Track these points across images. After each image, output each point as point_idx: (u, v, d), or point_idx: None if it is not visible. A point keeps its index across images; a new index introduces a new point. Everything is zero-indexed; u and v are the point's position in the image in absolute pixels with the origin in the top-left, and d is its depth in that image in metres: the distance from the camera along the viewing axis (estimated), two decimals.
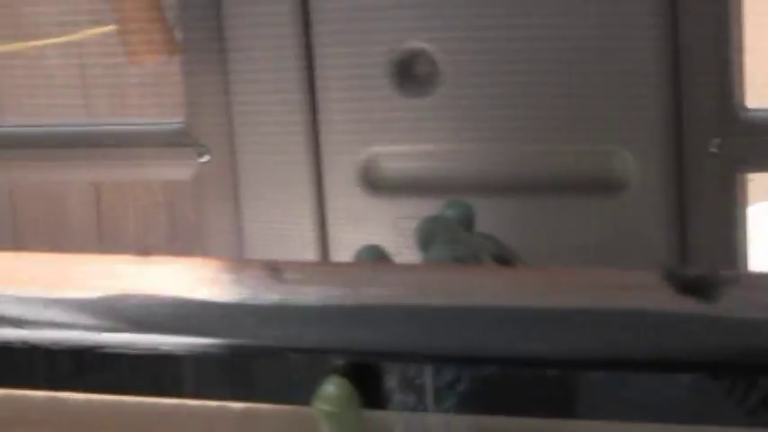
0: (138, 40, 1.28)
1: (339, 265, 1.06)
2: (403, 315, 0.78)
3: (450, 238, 1.17)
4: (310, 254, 1.42)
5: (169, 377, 0.82)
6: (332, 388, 0.77)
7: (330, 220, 1.42)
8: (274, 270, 0.83)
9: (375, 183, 1.39)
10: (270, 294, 0.80)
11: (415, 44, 1.36)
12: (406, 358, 0.77)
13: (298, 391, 0.79)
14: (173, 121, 1.45)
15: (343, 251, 1.42)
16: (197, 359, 0.81)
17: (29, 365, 0.86)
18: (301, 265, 0.89)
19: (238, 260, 0.94)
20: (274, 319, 0.79)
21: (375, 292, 0.79)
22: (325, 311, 0.79)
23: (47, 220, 2.70)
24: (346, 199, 1.40)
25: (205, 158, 1.42)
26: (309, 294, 0.80)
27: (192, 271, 0.86)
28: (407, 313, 0.78)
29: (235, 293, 0.81)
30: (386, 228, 1.40)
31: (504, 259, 1.22)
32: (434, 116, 1.37)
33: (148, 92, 2.50)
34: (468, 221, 1.22)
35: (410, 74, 1.37)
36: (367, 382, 0.78)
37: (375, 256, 1.13)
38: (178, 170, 1.45)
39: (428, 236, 1.17)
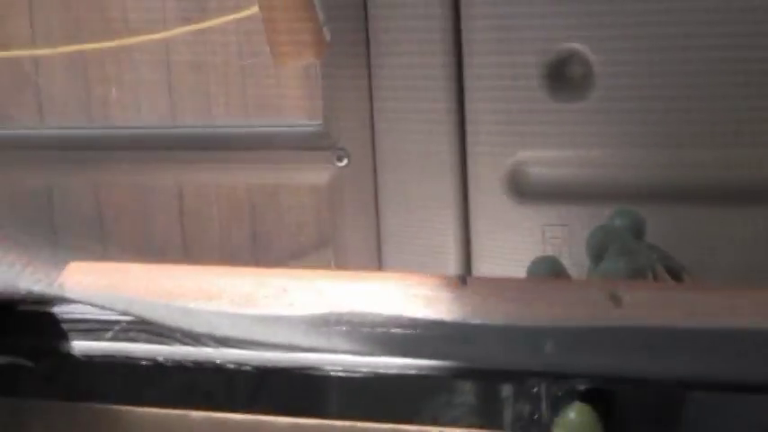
0: (287, 39, 1.23)
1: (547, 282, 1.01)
2: (650, 337, 0.73)
3: (622, 249, 1.11)
4: (452, 263, 1.37)
5: (385, 401, 0.77)
6: (574, 415, 0.72)
7: (474, 227, 1.36)
8: (500, 288, 0.78)
9: (522, 189, 1.34)
10: (502, 314, 0.75)
11: (568, 45, 1.30)
12: (656, 385, 0.72)
13: (536, 417, 0.74)
14: (310, 123, 1.40)
15: (487, 260, 1.37)
16: (418, 382, 0.76)
17: (228, 386, 0.81)
18: (523, 283, 0.84)
19: (452, 276, 0.89)
20: (506, 340, 0.74)
21: (619, 312, 0.74)
22: (562, 332, 0.74)
23: (132, 222, 2.67)
24: (492, 206, 1.35)
25: (344, 162, 1.37)
26: (540, 314, 0.75)
27: (404, 288, 0.80)
28: (656, 336, 0.72)
29: (460, 312, 0.76)
30: (532, 236, 1.35)
31: (673, 271, 1.16)
32: (587, 120, 1.32)
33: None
34: (638, 231, 1.16)
35: (563, 76, 1.31)
36: (609, 409, 0.73)
37: (551, 269, 1.08)
38: (314, 174, 1.40)
39: (600, 246, 1.12)
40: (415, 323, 0.73)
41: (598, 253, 1.12)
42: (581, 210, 1.31)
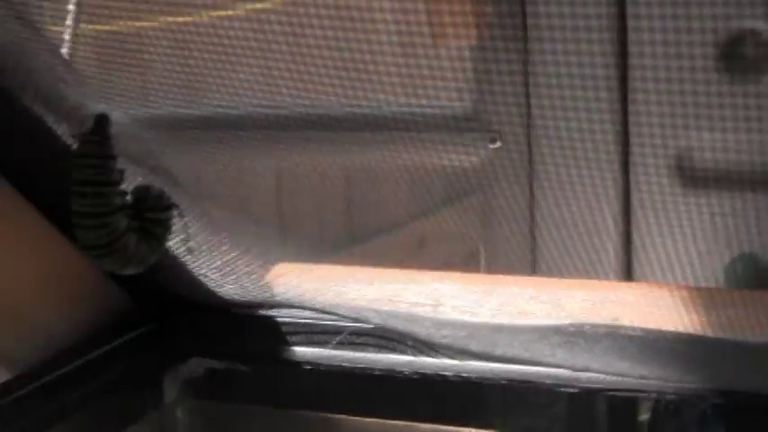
0: (449, 15, 1.15)
1: None
2: None
3: None
4: (610, 254, 1.30)
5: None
6: None
7: (635, 217, 1.29)
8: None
9: (689, 176, 1.26)
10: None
11: (744, 23, 1.22)
12: None
13: None
14: (460, 104, 1.33)
15: (648, 253, 1.30)
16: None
17: (464, 399, 0.74)
18: None
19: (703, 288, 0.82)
20: None
21: None
22: None
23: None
24: (656, 194, 1.28)
25: (497, 145, 1.30)
26: None
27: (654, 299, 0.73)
28: None
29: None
30: (701, 225, 1.27)
31: None
32: (762, 103, 1.23)
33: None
34: None
35: (737, 57, 1.23)
36: None
37: (751, 266, 1.00)
38: (464, 157, 1.33)
39: None
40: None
41: None
42: (755, 199, 1.23)
